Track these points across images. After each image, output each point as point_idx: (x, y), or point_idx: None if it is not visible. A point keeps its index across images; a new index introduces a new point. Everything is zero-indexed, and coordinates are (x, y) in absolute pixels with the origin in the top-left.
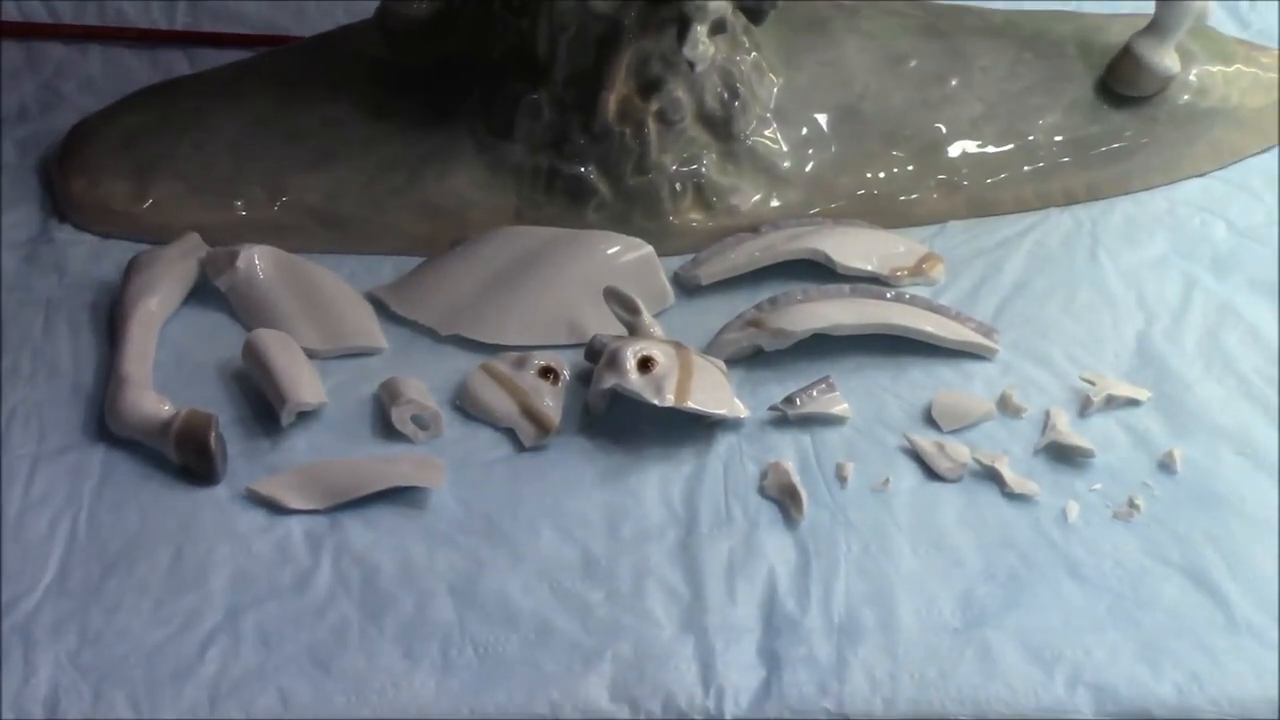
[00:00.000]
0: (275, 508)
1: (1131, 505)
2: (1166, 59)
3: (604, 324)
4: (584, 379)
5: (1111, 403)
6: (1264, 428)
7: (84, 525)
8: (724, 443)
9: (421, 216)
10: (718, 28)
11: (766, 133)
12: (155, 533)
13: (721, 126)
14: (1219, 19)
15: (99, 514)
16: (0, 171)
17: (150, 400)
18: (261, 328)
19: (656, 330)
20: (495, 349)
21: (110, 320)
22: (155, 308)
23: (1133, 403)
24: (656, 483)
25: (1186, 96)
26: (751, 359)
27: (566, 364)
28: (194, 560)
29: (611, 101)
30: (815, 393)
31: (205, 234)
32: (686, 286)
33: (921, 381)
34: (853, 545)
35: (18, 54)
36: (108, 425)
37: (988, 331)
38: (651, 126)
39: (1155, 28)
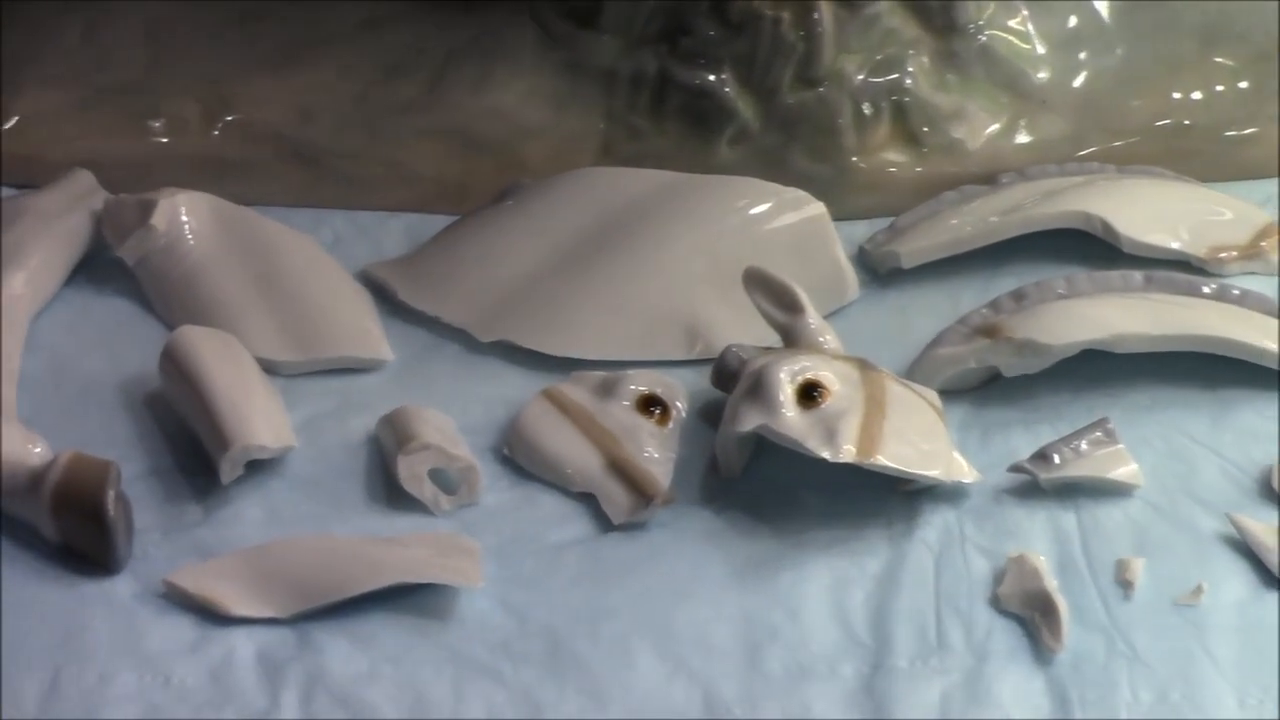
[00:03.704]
0: (210, 614)
1: None
2: None
3: (742, 328)
4: (710, 416)
5: None
6: None
7: None
8: (935, 522)
9: (450, 149)
10: None
11: (1011, 23)
12: (17, 650)
13: (938, 12)
14: None
15: None
16: None
17: (12, 438)
18: (190, 324)
19: (829, 339)
20: (566, 365)
21: None
22: (21, 289)
23: None
24: (825, 585)
25: None
26: (983, 388)
27: (681, 391)
28: (78, 695)
29: None
30: (1085, 445)
31: (102, 173)
32: (879, 269)
33: (1257, 430)
34: (1141, 691)
35: None
36: None
37: None
38: (825, 9)
39: None
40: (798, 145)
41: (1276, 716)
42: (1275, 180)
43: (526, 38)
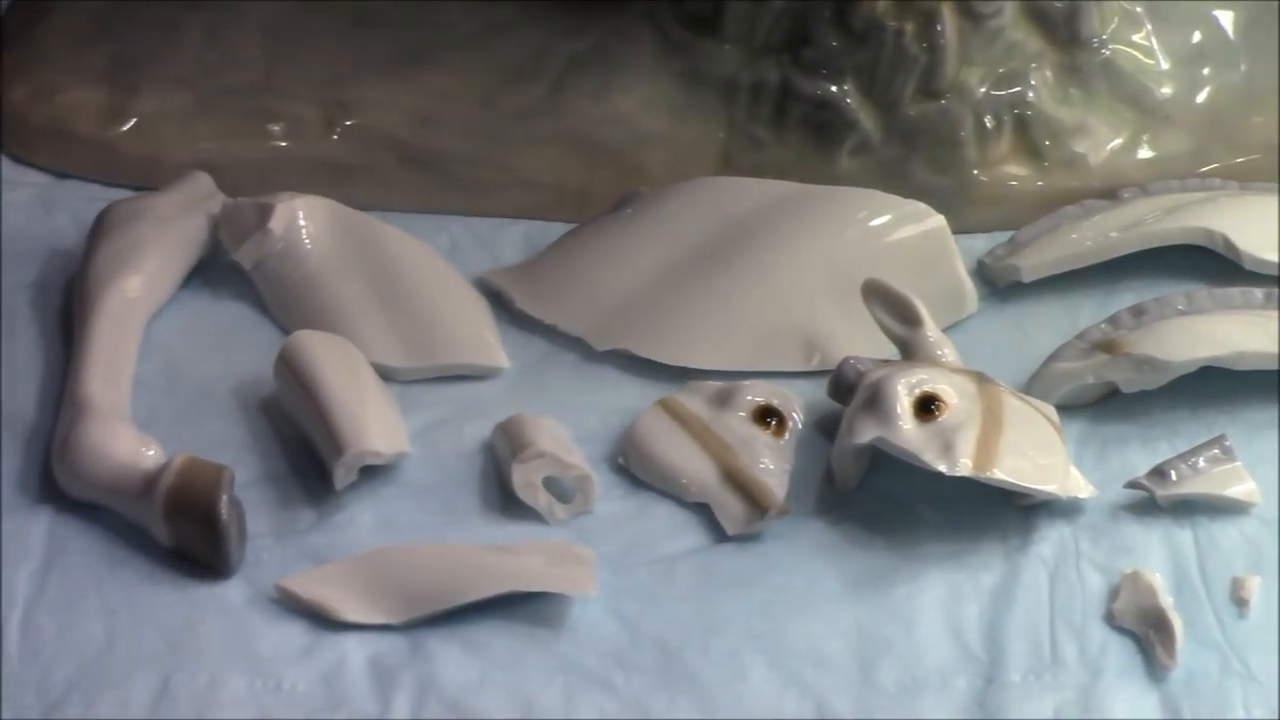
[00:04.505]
0: (322, 619)
1: None
2: None
3: (860, 340)
4: (826, 428)
5: None
6: None
7: (15, 638)
8: (1051, 538)
9: (569, 157)
10: None
11: (1135, 37)
12: (128, 653)
13: (1062, 25)
14: None
15: (39, 620)
16: None
17: (126, 441)
18: (307, 330)
19: (947, 352)
20: (682, 375)
21: (65, 310)
22: (137, 292)
23: None
24: (940, 599)
25: None
26: (1100, 404)
27: (798, 403)
28: (188, 699)
29: None
30: (1202, 462)
31: (220, 175)
32: (998, 283)
33: None
34: (1255, 709)
35: None
36: (56, 479)
37: None
38: (948, 22)
39: None
40: (919, 158)
41: None
42: None
43: (647, 45)
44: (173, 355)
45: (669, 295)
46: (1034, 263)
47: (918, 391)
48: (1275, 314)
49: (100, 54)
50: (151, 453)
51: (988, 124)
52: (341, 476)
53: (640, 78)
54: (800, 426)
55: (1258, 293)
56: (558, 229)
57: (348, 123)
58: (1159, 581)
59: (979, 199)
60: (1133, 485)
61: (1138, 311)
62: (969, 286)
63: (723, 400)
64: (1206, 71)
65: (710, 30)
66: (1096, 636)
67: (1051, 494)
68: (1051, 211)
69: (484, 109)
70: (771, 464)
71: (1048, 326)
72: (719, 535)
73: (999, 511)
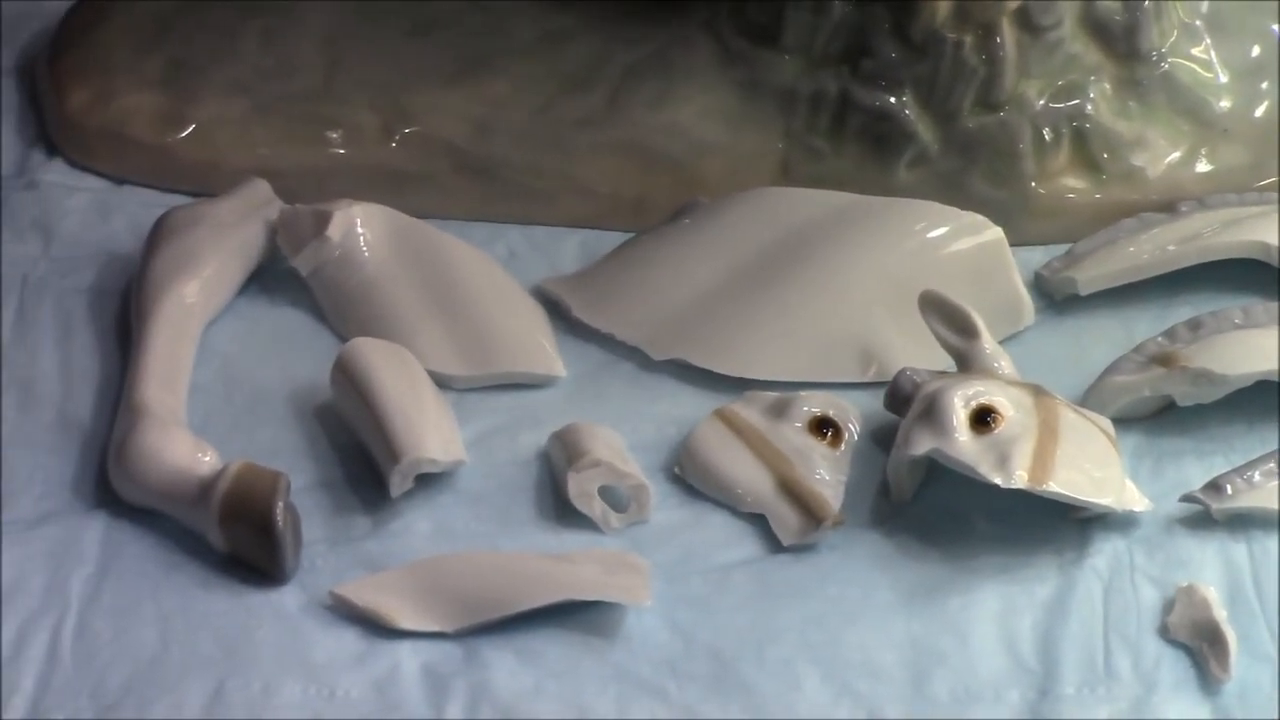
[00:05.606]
0: (376, 626)
1: None
2: None
3: (917, 352)
4: (882, 439)
5: None
6: None
7: (69, 642)
8: (1106, 551)
9: (627, 165)
10: None
11: (1194, 51)
12: (182, 659)
13: (1121, 39)
14: None
15: (93, 624)
16: None
17: (182, 446)
18: (364, 337)
19: (1003, 365)
20: (739, 385)
21: (122, 315)
22: (194, 298)
23: None
24: (994, 611)
25: None
26: (1157, 417)
27: (854, 414)
28: (242, 704)
29: None
30: (1258, 475)
31: (278, 182)
32: (1055, 295)
33: None
34: None
35: None
36: (112, 484)
37: None
38: (1007, 34)
39: None
40: (977, 170)
41: None
42: None
43: (706, 54)
44: (230, 361)
45: (726, 305)
46: (1091, 275)
47: (974, 403)
48: None
49: (158, 59)
50: (208, 458)
51: (1046, 136)
52: (397, 484)
53: (699, 87)
54: (856, 437)
55: None
56: (615, 238)
57: (406, 130)
58: (1213, 595)
59: (1036, 211)
60: (1188, 499)
61: (1194, 325)
62: (1026, 299)
63: (779, 411)
64: (1265, 85)
65: (770, 40)
66: (1150, 649)
67: (1106, 507)
68: (1109, 224)
69: (542, 117)
70: (827, 475)
71: (1104, 339)
72: (774, 545)
73: (1054, 524)
